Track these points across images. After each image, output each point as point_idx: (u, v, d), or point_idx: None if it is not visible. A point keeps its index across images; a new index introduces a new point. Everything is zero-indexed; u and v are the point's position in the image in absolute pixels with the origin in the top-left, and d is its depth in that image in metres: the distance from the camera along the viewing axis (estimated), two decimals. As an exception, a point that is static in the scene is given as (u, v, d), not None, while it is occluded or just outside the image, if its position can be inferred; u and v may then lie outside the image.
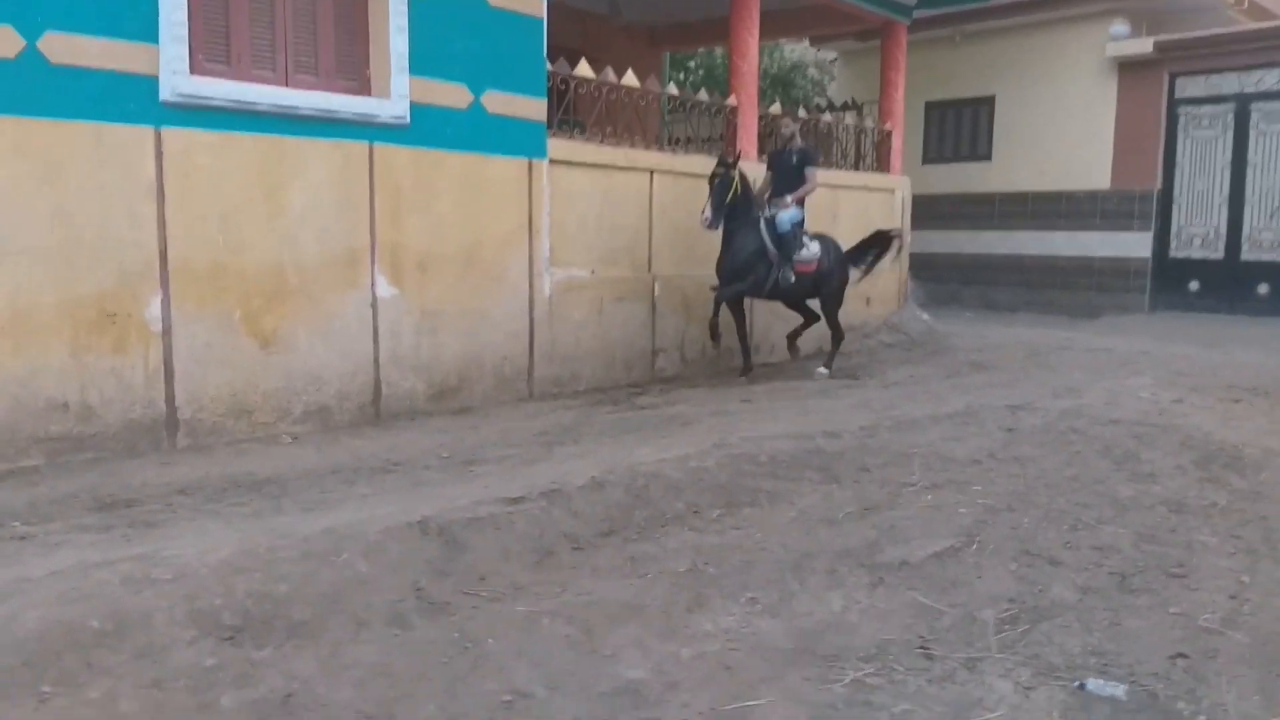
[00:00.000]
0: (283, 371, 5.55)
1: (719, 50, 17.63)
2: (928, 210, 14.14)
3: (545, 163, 6.99)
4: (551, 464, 4.89)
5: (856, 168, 10.48)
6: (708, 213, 7.33)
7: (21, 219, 4.65)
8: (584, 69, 7.43)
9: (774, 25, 10.61)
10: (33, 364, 4.70)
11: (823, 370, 8.16)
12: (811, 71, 19.83)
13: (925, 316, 11.09)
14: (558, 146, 7.11)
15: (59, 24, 4.73)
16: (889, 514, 4.26)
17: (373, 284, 6.02)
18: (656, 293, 8.02)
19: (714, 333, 7.54)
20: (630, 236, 7.82)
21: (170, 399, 5.18)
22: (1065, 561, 3.72)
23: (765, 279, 7.72)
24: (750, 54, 8.95)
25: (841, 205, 10.01)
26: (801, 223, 7.91)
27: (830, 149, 10.19)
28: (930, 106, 14.97)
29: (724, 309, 7.68)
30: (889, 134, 10.84)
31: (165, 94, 5.04)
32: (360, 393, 6.01)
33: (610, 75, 7.62)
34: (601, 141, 7.57)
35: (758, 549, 3.84)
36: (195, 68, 5.20)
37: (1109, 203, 13.49)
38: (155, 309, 5.09)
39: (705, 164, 8.44)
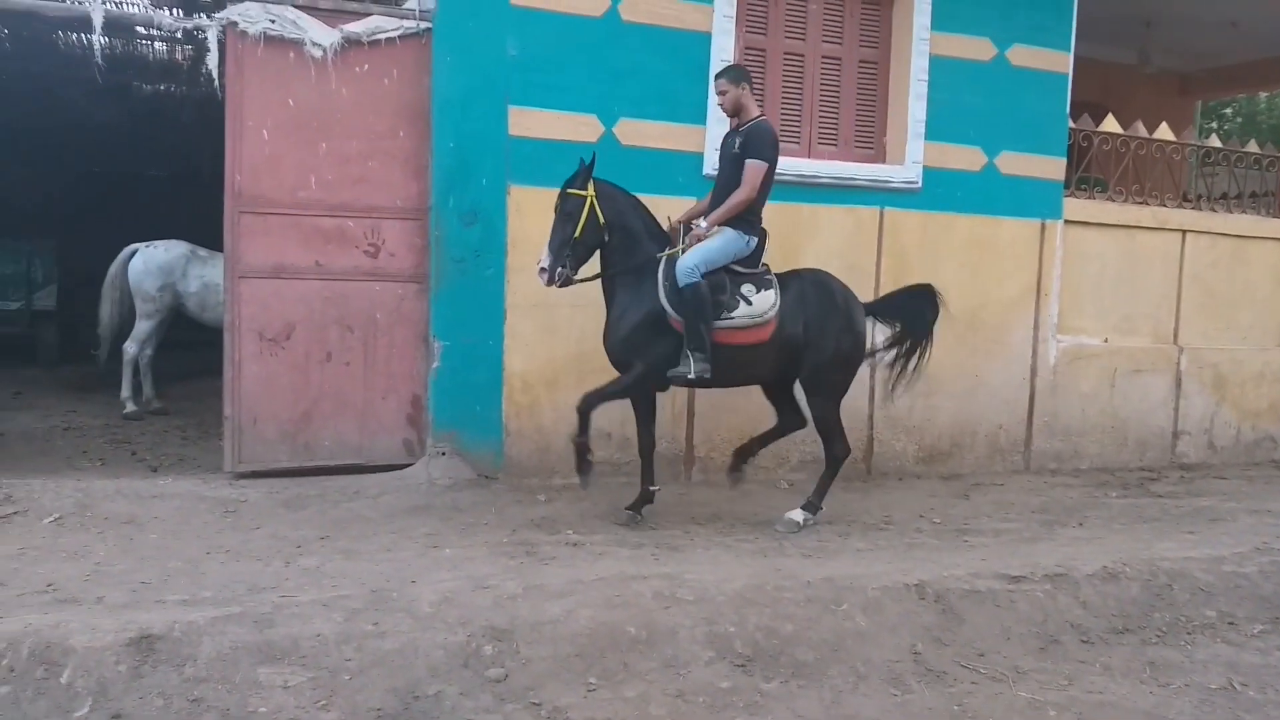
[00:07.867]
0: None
1: (1263, 95, 15.38)
2: None
3: (1059, 224, 6.67)
4: (1053, 545, 4.62)
5: None
6: (543, 259, 4.59)
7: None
8: (1110, 124, 6.96)
9: (1353, 61, 9.03)
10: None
11: (795, 516, 4.88)
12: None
13: None
14: (1074, 207, 6.74)
15: (629, 113, 5.59)
16: None
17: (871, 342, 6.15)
18: (1182, 366, 7.18)
19: (580, 456, 4.71)
20: (1153, 302, 7.11)
21: (689, 438, 5.81)
22: None
23: (670, 358, 4.66)
24: (1320, 97, 7.72)
25: None
26: (759, 252, 4.81)
27: None
28: None
29: (641, 402, 4.91)
30: None
31: (708, 168, 5.69)
32: (854, 448, 6.17)
33: (1140, 129, 7.05)
34: (1125, 200, 7.01)
35: (1317, 681, 3.28)
36: (734, 144, 5.81)
37: None
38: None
39: (1252, 225, 7.45)
